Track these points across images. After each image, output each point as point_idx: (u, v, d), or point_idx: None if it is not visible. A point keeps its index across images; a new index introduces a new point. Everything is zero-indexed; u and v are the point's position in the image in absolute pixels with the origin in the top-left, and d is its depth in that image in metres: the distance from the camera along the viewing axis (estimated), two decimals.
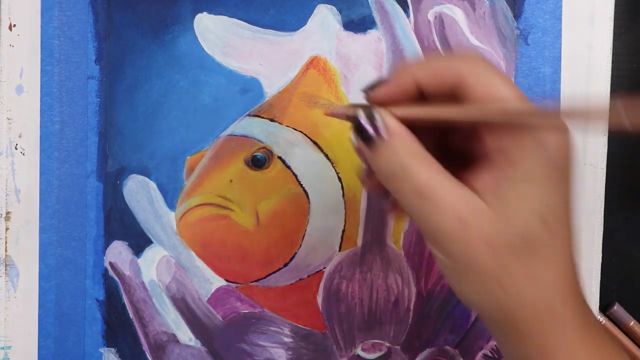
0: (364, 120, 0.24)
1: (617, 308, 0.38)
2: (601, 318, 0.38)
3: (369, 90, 0.25)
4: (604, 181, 0.35)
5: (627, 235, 0.38)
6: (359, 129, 0.24)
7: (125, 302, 0.36)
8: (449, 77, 0.24)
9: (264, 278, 0.36)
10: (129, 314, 0.36)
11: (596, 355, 0.24)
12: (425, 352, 0.36)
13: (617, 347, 0.25)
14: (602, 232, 0.35)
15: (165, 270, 0.36)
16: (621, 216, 0.38)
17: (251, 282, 0.36)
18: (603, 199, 0.35)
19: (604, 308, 0.38)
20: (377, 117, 0.24)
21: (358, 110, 0.24)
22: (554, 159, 0.23)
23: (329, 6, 0.35)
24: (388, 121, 0.24)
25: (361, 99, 0.35)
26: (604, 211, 0.36)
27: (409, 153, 0.24)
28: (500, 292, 0.23)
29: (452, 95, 0.24)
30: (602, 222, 0.35)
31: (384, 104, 0.25)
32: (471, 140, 0.25)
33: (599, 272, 0.35)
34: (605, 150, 0.35)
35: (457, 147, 0.26)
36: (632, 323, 0.38)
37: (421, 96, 0.25)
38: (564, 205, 0.24)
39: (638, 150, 0.37)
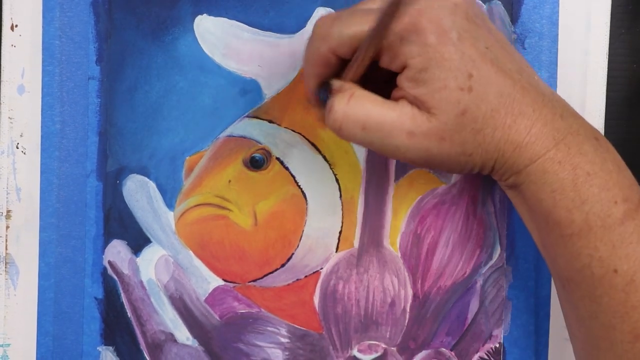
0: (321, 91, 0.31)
1: None
2: None
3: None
4: None
5: None
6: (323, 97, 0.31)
7: (124, 301, 0.36)
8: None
9: (262, 278, 0.36)
10: (127, 312, 0.36)
11: (562, 167, 0.27)
12: (422, 354, 0.36)
13: (590, 158, 0.28)
14: None
15: (164, 269, 0.36)
16: None
17: (248, 282, 0.36)
18: None
19: None
20: (328, 82, 0.30)
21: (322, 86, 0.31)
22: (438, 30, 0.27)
23: (327, 9, 0.35)
24: (332, 82, 0.29)
25: None
26: None
27: (343, 98, 0.28)
28: (468, 159, 0.28)
29: None
30: None
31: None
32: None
33: None
34: None
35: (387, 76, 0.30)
36: None
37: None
38: (474, 64, 0.27)
39: (638, 149, 0.37)
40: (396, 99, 0.28)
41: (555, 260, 0.29)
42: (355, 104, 0.28)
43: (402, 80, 0.28)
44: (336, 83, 0.29)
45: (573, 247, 0.27)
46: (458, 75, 0.27)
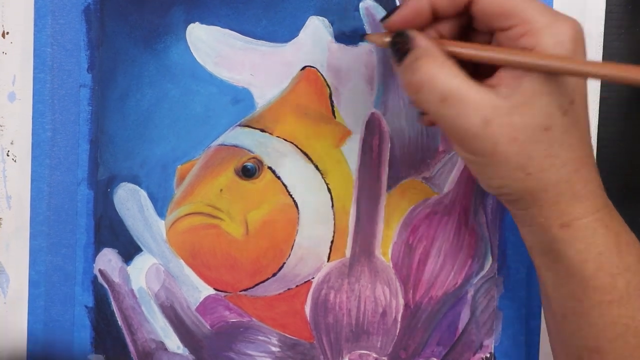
0: (394, 39, 0.27)
1: None
2: None
3: (386, 18, 0.28)
4: None
5: None
6: (394, 50, 0.27)
7: (114, 310, 0.36)
8: None
9: (253, 287, 0.36)
10: (117, 321, 0.36)
11: (609, 231, 0.27)
12: None
13: (627, 229, 0.28)
14: None
15: (155, 278, 0.36)
16: (621, 215, 0.38)
17: (240, 291, 0.36)
18: None
19: None
20: (406, 34, 0.27)
21: (389, 36, 0.28)
22: (567, 51, 0.25)
23: (320, 18, 0.35)
24: (415, 36, 0.27)
25: (354, 113, 0.36)
26: None
27: (433, 62, 0.26)
28: (525, 178, 0.26)
29: (465, 13, 0.27)
30: None
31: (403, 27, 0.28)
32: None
33: None
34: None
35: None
36: None
37: (434, 18, 0.28)
38: (579, 93, 0.26)
39: (637, 148, 0.37)
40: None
41: (581, 330, 0.28)
42: (446, 73, 0.26)
43: (503, 71, 0.26)
44: (421, 40, 0.27)
45: (610, 314, 0.27)
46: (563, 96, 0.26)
